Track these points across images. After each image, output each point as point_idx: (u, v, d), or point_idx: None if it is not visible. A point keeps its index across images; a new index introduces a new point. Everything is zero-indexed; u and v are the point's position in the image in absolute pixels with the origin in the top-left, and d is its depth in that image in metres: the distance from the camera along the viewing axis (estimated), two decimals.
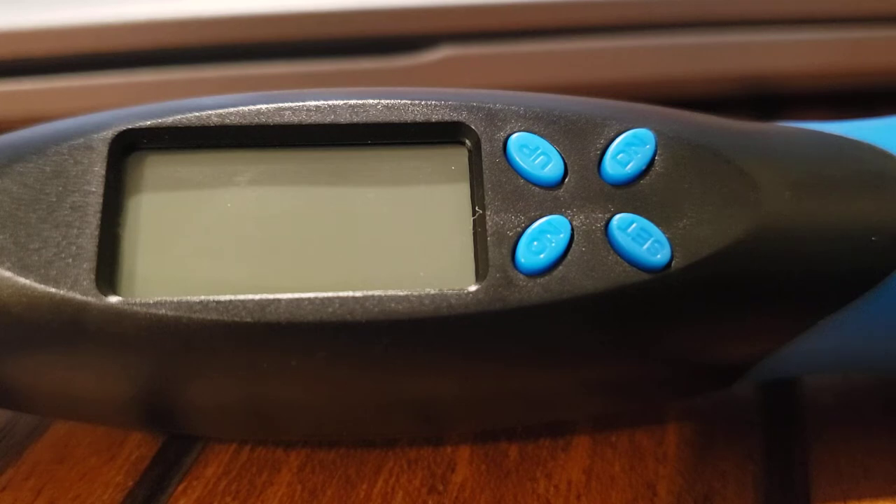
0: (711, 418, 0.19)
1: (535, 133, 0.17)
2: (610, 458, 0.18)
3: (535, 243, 0.16)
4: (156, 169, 0.17)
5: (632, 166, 0.16)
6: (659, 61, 0.27)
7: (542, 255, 0.16)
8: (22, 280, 0.15)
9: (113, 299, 0.15)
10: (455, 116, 0.17)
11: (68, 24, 0.25)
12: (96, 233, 0.16)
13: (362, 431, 0.18)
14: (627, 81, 0.27)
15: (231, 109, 0.17)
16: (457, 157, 0.17)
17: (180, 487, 0.18)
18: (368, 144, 0.17)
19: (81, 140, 0.16)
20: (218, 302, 0.15)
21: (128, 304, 0.15)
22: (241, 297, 0.15)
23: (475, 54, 0.26)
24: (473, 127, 0.17)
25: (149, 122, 0.16)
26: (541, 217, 0.16)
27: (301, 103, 0.17)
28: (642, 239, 0.16)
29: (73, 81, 0.26)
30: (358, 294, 0.15)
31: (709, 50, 0.27)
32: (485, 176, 0.16)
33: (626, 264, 0.16)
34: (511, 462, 0.18)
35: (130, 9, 0.25)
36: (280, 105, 0.17)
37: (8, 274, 0.15)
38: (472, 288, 0.16)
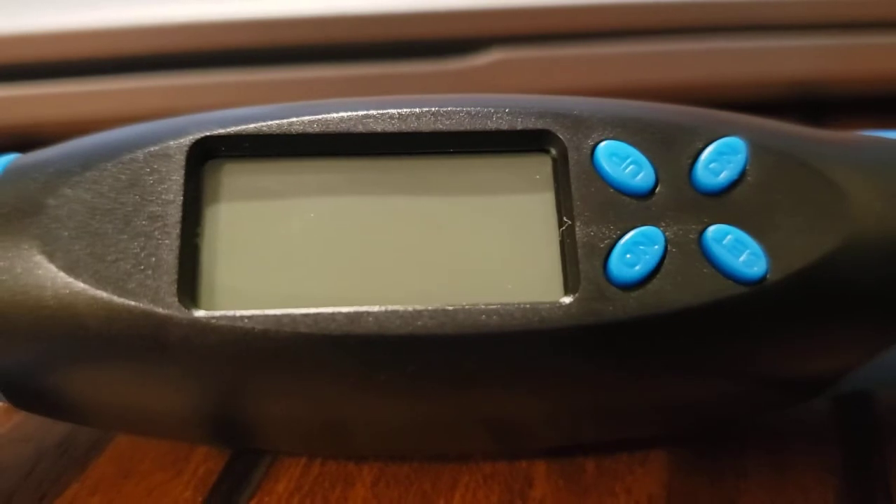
0: (788, 432, 0.19)
1: (623, 141, 0.16)
2: (688, 473, 0.18)
3: (629, 255, 0.15)
4: (235, 177, 0.16)
5: (724, 175, 0.16)
6: (708, 64, 0.27)
7: (636, 268, 0.15)
8: (100, 293, 0.15)
9: (197, 313, 0.15)
10: (541, 124, 0.16)
11: (115, 25, 0.25)
12: (177, 244, 0.15)
13: (440, 446, 0.18)
14: (676, 84, 0.27)
15: (313, 117, 0.16)
16: (541, 166, 0.16)
17: (252, 503, 0.17)
18: (451, 153, 0.16)
19: (157, 147, 0.16)
20: (306, 315, 0.15)
21: (213, 317, 0.15)
22: (330, 309, 0.15)
23: (527, 57, 0.26)
24: (560, 135, 0.16)
25: (228, 130, 0.16)
26: (633, 228, 0.16)
27: (384, 111, 0.16)
28: (738, 251, 0.15)
29: (110, 84, 0.26)
30: (448, 307, 0.15)
31: (760, 53, 0.27)
32: (572, 185, 0.16)
33: (722, 277, 0.15)
34: (589, 477, 0.18)
35: (177, 10, 0.25)
36: (364, 113, 0.16)
37: (83, 286, 0.15)
38: (566, 300, 0.15)
